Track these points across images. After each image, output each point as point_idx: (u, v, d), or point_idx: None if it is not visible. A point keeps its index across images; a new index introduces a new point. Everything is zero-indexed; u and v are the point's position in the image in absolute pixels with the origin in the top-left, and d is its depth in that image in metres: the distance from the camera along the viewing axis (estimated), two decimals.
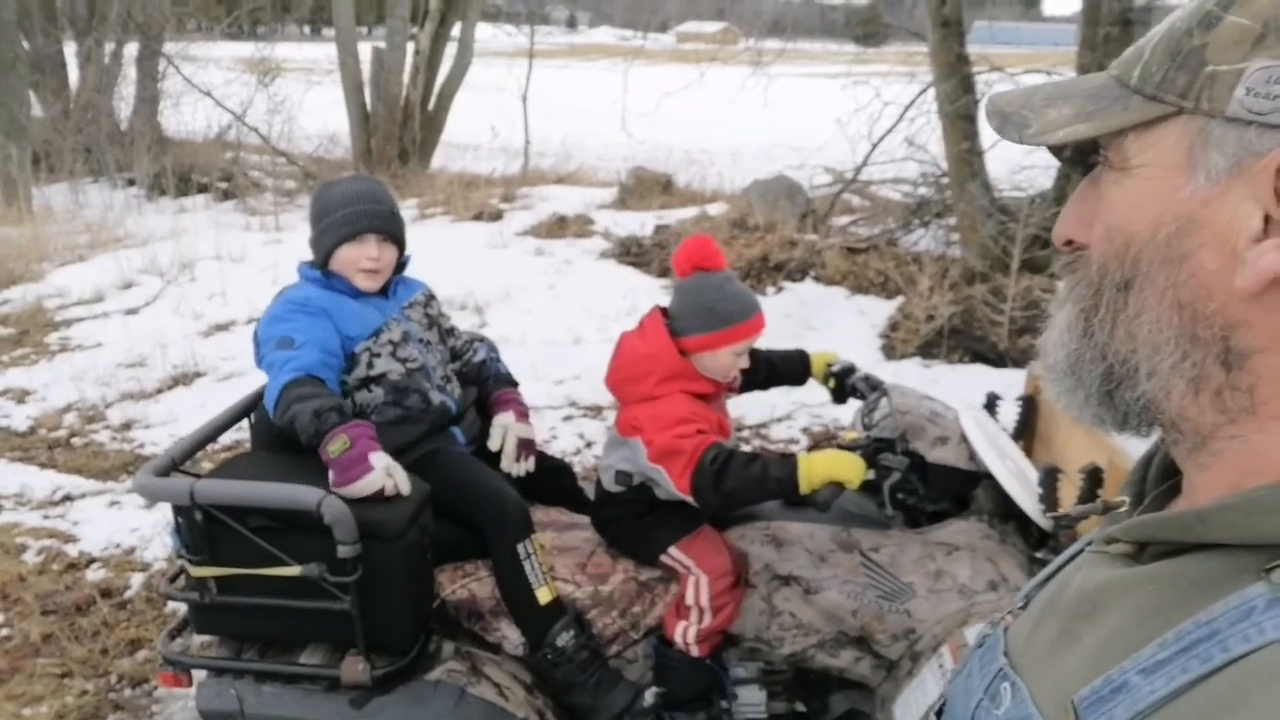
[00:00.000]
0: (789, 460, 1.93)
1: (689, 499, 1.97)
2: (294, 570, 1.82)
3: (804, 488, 1.90)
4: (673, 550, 2.10)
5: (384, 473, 1.90)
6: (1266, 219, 0.53)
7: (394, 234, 2.26)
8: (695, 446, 1.95)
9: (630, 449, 2.08)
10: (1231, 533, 0.55)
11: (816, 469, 1.90)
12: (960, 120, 6.06)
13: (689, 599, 2.08)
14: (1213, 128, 0.54)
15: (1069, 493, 2.01)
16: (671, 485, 1.98)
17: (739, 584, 2.12)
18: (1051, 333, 0.65)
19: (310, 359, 2.03)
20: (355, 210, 2.19)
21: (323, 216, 2.22)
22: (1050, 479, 1.97)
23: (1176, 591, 0.56)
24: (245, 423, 2.32)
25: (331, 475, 1.90)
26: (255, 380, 2.24)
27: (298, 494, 1.80)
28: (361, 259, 2.19)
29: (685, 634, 2.09)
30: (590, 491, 2.61)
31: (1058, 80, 0.66)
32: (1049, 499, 1.97)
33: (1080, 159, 0.67)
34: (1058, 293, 0.67)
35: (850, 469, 1.91)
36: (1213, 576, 0.55)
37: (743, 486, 1.93)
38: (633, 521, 2.15)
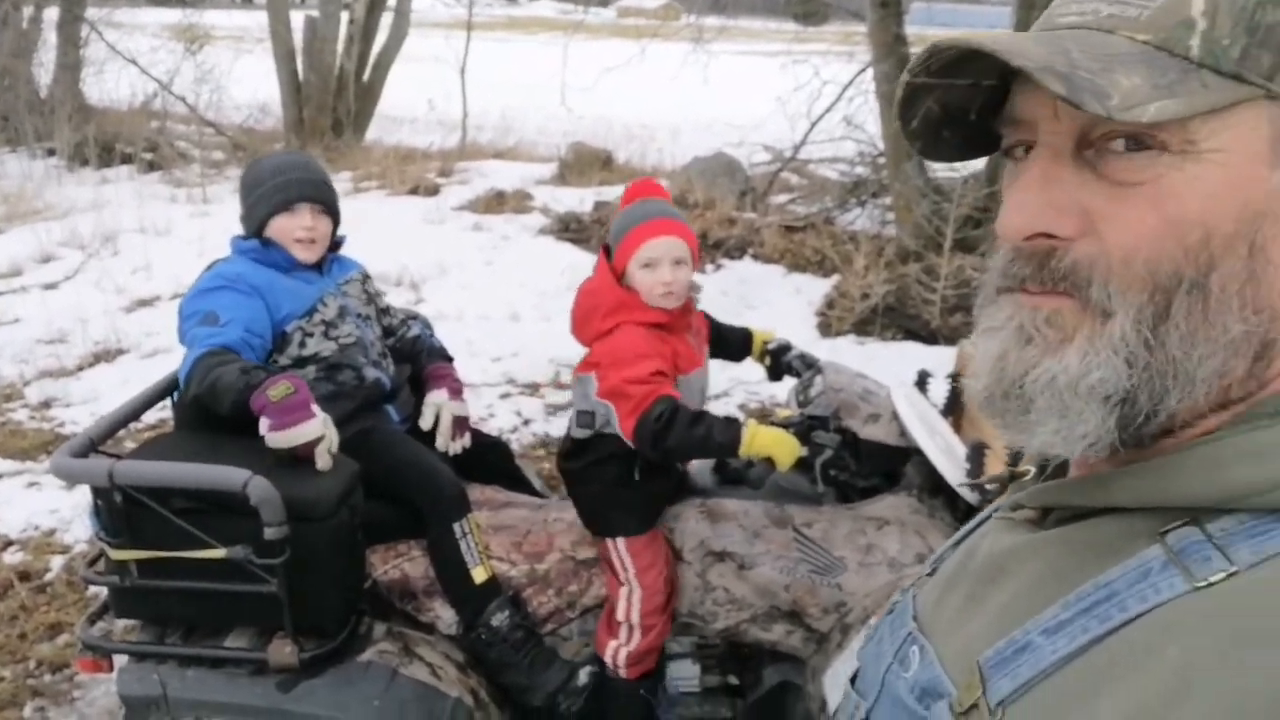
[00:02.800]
0: (733, 426, 1.93)
1: (630, 442, 1.96)
2: (218, 553, 1.78)
3: (742, 452, 1.91)
4: (621, 544, 2.07)
5: (322, 425, 1.87)
6: None
7: (328, 204, 2.21)
8: (643, 396, 1.92)
9: (584, 384, 2.06)
10: (1130, 497, 0.56)
11: (759, 441, 1.91)
12: None
13: (619, 613, 2.07)
14: None
15: (996, 466, 2.05)
16: (617, 424, 1.97)
17: (669, 604, 2.11)
18: (1050, 357, 0.56)
19: (233, 336, 1.97)
20: (287, 179, 2.15)
21: (254, 188, 2.17)
22: (977, 454, 2.01)
23: (1077, 554, 0.57)
24: (169, 402, 2.25)
25: (266, 422, 1.84)
26: (180, 357, 2.17)
27: (222, 474, 1.76)
28: (296, 229, 2.15)
29: (616, 655, 2.08)
30: (526, 470, 2.61)
31: (1056, 34, 0.55)
32: (976, 473, 2.00)
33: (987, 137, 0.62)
34: (998, 307, 0.59)
35: (787, 452, 1.92)
36: (1112, 540, 0.56)
37: (684, 446, 1.92)
38: (604, 490, 2.10)
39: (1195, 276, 0.52)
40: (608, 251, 2.11)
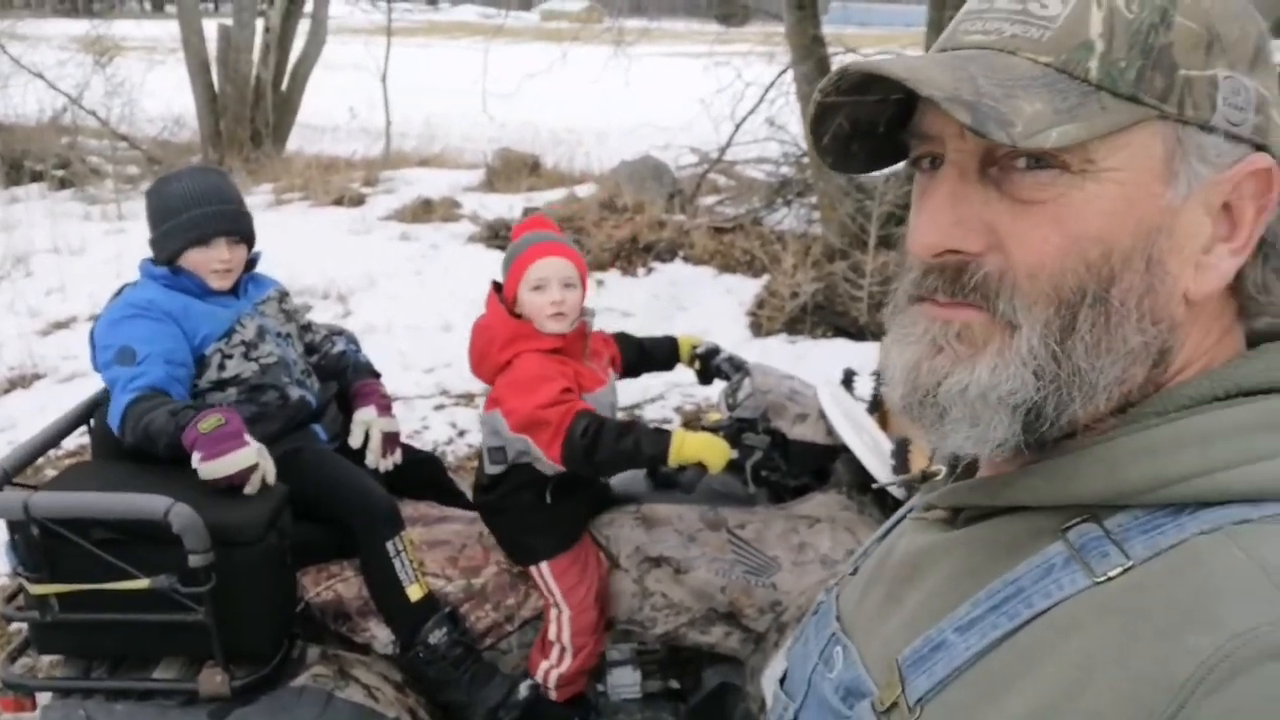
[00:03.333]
0: (662, 436, 1.94)
1: (560, 467, 1.96)
2: (142, 583, 1.74)
3: (672, 461, 1.92)
4: (544, 568, 2.07)
5: (256, 454, 1.86)
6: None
7: (244, 233, 2.17)
8: (561, 417, 1.91)
9: (494, 421, 2.06)
10: (1032, 496, 0.59)
11: (688, 448, 1.92)
12: None
13: (551, 634, 2.07)
14: (1192, 135, 0.54)
15: (920, 461, 2.10)
16: (541, 454, 1.96)
17: (600, 622, 2.12)
18: (961, 368, 0.58)
19: (155, 374, 1.95)
20: (203, 212, 2.09)
21: (165, 217, 2.10)
22: (902, 450, 2.05)
23: (986, 553, 0.60)
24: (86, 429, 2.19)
25: (198, 455, 1.82)
26: (98, 381, 2.12)
27: (143, 503, 1.72)
28: (212, 262, 2.11)
29: (547, 676, 2.09)
30: (460, 483, 2.59)
31: (961, 56, 0.57)
32: (901, 469, 2.05)
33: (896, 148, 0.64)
34: (910, 318, 0.61)
35: (717, 456, 1.93)
36: (1017, 538, 0.58)
37: (614, 459, 1.93)
38: (519, 517, 2.11)
39: (1098, 290, 0.55)
40: (498, 288, 2.13)
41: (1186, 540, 0.51)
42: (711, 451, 1.93)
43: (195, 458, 1.83)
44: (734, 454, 2.01)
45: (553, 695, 2.10)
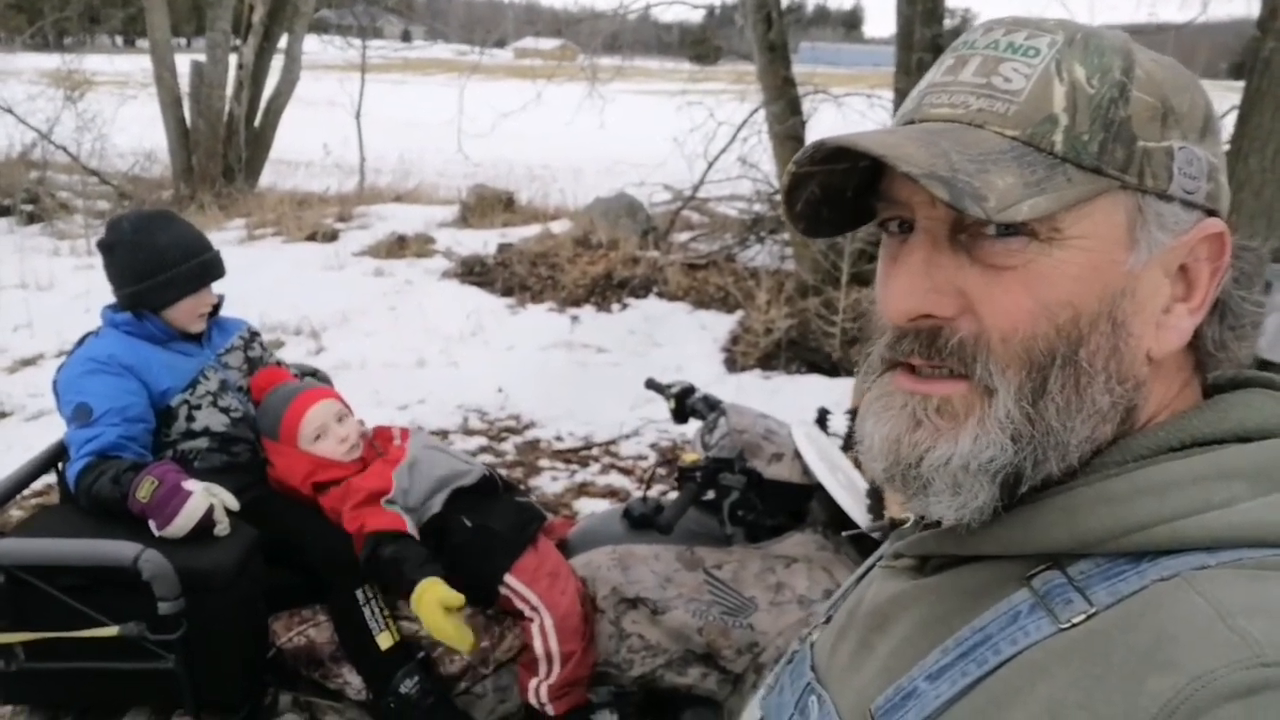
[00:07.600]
0: (423, 569, 1.94)
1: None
2: (111, 631, 1.71)
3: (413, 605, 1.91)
4: (512, 580, 2.06)
5: (205, 493, 1.85)
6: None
7: (222, 275, 2.20)
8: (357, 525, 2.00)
9: None
10: (998, 545, 0.60)
11: (425, 605, 1.89)
12: (789, 140, 6.29)
13: (538, 648, 2.03)
14: (1151, 204, 0.57)
15: (895, 501, 2.11)
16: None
17: (587, 624, 2.09)
18: (943, 441, 0.59)
19: (107, 439, 1.94)
20: (201, 262, 2.12)
21: (159, 269, 2.07)
22: (876, 489, 2.07)
23: (954, 600, 0.61)
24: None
25: (153, 523, 1.81)
26: (62, 427, 2.09)
27: (112, 549, 1.70)
28: (200, 307, 2.15)
29: (538, 692, 2.04)
30: None
31: (932, 129, 0.58)
32: (876, 508, 2.06)
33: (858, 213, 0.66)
34: (890, 393, 0.62)
35: (450, 635, 1.89)
36: (984, 585, 0.60)
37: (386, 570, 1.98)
38: (457, 557, 2.08)
39: (1067, 352, 0.57)
40: (269, 445, 2.17)
41: (1147, 587, 0.53)
42: (447, 630, 1.88)
43: (153, 527, 1.83)
44: (710, 494, 2.01)
45: (550, 710, 2.06)
